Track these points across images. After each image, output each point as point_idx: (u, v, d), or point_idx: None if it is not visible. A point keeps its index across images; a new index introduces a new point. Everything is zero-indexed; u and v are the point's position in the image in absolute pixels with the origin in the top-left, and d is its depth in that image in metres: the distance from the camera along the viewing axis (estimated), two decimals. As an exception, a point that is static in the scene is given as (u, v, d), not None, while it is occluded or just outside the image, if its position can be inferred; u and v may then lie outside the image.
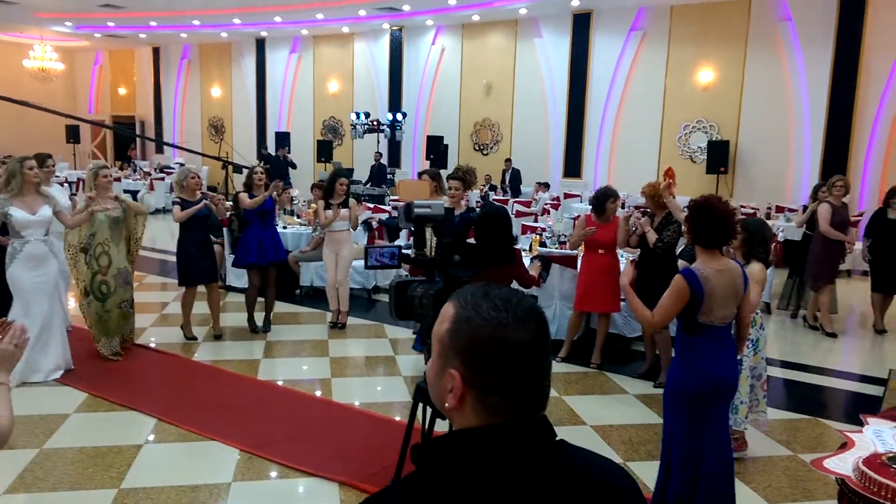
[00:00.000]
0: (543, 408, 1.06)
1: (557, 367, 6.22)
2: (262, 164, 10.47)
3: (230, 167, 18.25)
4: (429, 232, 6.67)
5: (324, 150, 17.82)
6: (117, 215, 5.91)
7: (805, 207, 8.24)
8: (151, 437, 4.59)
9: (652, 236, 5.55)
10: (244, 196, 6.69)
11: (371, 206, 11.15)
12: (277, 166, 16.07)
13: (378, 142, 17.10)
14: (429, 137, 16.52)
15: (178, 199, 6.35)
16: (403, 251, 1.89)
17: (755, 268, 4.11)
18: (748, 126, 13.49)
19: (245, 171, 17.17)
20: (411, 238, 6.94)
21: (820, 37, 12.30)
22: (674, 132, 14.41)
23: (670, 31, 14.27)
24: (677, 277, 3.30)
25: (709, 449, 3.35)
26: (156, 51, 22.85)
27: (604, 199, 5.99)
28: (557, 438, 1.06)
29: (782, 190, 13.15)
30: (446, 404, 1.05)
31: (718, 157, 13.14)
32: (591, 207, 6.15)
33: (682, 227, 4.87)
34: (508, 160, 15.50)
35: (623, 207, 11.93)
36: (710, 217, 3.28)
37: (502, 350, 1.00)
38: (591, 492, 1.04)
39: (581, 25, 15.19)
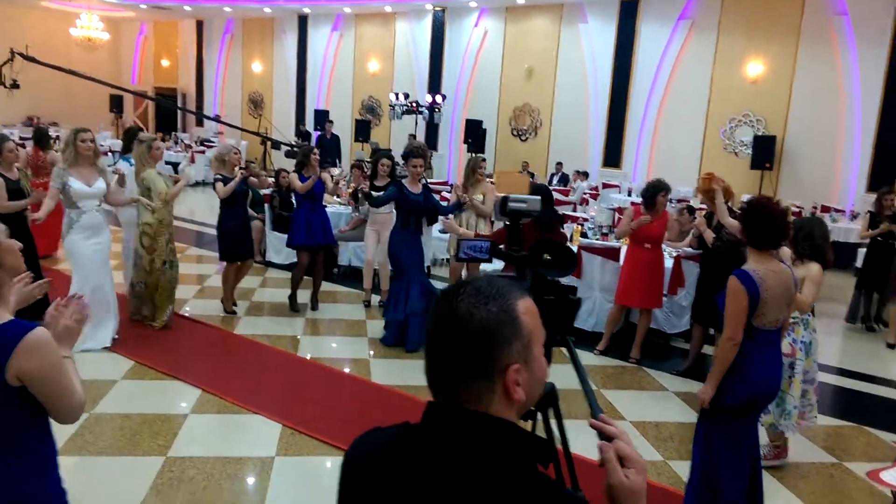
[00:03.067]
0: (440, 395, 1.13)
1: (595, 360, 6.19)
2: (297, 142, 10.53)
3: (269, 143, 18.46)
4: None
5: (362, 130, 17.84)
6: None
7: (871, 215, 7.64)
8: (196, 407, 4.68)
9: (709, 236, 5.45)
10: (295, 178, 6.74)
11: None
12: (326, 145, 16.15)
13: (416, 123, 17.07)
14: (468, 121, 16.44)
15: (219, 176, 6.44)
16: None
17: (813, 268, 4.01)
18: (796, 122, 13.18)
19: (283, 148, 17.28)
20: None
21: (877, 34, 11.93)
22: (719, 125, 14.15)
23: (720, 21, 13.96)
24: (731, 281, 3.19)
25: (737, 459, 3.31)
26: (199, 24, 23.03)
27: (654, 192, 5.88)
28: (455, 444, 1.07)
29: (829, 190, 12.85)
30: None
31: (764, 152, 12.86)
32: (641, 200, 6.06)
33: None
34: (560, 164, 15.32)
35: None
36: (764, 217, 3.20)
37: (427, 328, 1.16)
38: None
39: (628, 12, 14.94)
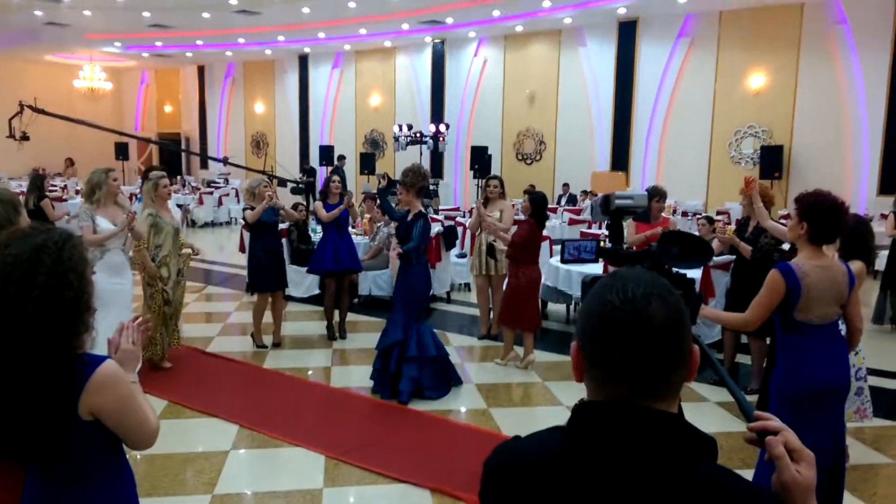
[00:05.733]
0: (646, 393, 1.06)
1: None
2: (302, 178, 10.55)
3: (275, 181, 18.51)
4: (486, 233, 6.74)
5: (366, 163, 17.92)
6: (178, 226, 5.98)
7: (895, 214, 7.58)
8: (236, 443, 4.60)
9: (746, 249, 5.37)
10: (320, 206, 6.79)
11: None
12: (343, 178, 16.26)
13: (420, 154, 17.14)
14: (473, 148, 16.52)
15: (248, 206, 6.50)
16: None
17: (857, 265, 3.96)
18: (802, 131, 13.24)
19: (289, 185, 17.30)
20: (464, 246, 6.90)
21: (877, 41, 12.05)
22: (724, 138, 14.21)
23: (719, 36, 14.11)
24: (773, 273, 3.17)
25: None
26: (200, 69, 23.32)
27: (647, 199, 5.92)
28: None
29: (839, 195, 12.78)
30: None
31: (772, 162, 12.90)
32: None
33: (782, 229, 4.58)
34: (566, 185, 15.38)
35: (674, 214, 11.77)
36: (828, 210, 3.16)
37: (603, 327, 1.05)
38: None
39: (627, 33, 15.11)
